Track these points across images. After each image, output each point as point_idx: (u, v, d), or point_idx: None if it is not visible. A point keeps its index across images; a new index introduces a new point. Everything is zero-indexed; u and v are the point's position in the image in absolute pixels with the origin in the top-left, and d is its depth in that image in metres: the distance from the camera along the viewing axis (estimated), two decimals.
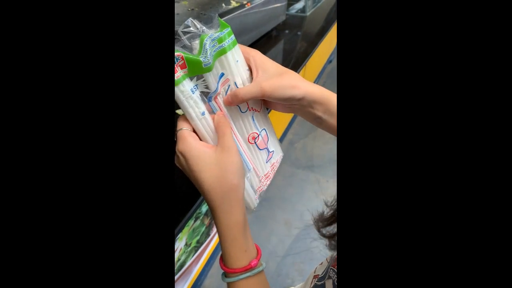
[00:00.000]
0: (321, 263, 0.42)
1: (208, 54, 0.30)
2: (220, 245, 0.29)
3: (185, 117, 0.31)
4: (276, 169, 0.39)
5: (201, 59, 0.29)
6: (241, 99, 0.31)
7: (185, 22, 0.29)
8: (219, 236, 0.29)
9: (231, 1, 0.81)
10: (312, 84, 0.31)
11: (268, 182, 0.38)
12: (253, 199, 0.36)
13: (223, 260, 0.29)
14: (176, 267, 0.74)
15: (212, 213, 0.29)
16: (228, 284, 0.29)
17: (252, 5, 0.82)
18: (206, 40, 0.29)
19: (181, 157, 0.29)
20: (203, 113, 0.31)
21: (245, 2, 0.80)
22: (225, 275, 0.29)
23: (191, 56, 0.29)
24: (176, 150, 0.29)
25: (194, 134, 0.30)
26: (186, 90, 0.29)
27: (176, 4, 0.72)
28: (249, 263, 0.28)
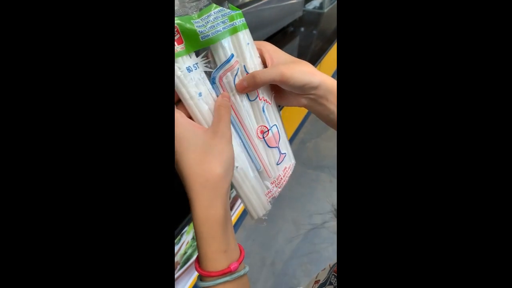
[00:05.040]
0: (324, 269, 0.41)
1: (209, 26, 0.26)
2: (196, 243, 0.25)
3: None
4: (288, 176, 0.34)
5: (197, 30, 0.26)
6: (259, 82, 0.28)
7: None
8: (195, 233, 0.25)
9: None
10: (327, 75, 0.30)
11: (280, 190, 0.33)
12: (261, 205, 0.32)
13: (198, 261, 0.25)
14: (182, 259, 0.74)
15: (190, 205, 0.25)
16: None
17: None
18: (215, 12, 0.27)
19: None
20: (200, 94, 0.27)
21: None
22: (200, 278, 0.25)
23: (187, 27, 0.25)
24: None
25: (181, 111, 0.27)
26: (181, 68, 0.26)
27: None
28: (228, 266, 0.24)
